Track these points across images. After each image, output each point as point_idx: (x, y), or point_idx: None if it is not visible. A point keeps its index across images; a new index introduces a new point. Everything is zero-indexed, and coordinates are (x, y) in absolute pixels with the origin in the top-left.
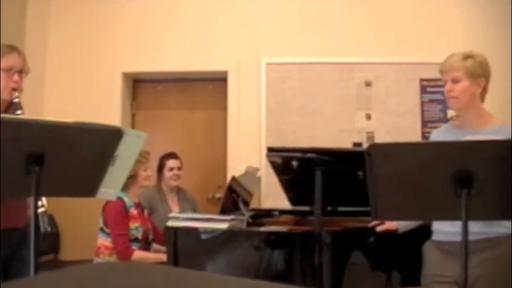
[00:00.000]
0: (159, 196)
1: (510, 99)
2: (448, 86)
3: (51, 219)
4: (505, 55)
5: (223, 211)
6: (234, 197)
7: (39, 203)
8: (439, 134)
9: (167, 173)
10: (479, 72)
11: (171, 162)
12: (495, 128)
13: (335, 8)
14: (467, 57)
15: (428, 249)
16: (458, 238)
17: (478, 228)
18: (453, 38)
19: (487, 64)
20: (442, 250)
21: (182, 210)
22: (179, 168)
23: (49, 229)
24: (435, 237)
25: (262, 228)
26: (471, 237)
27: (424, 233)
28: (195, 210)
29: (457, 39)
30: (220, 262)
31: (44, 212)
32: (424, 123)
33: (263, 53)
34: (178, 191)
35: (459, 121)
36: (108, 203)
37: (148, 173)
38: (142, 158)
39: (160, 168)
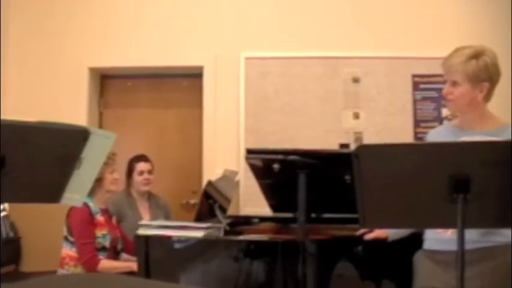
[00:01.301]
0: (128, 202)
1: (510, 98)
2: (446, 89)
3: (12, 227)
4: (503, 48)
5: (199, 218)
6: (210, 203)
7: (1, 207)
8: (437, 135)
9: (137, 177)
10: (481, 77)
11: (141, 166)
12: (497, 128)
13: None
14: (471, 58)
15: (420, 259)
16: (452, 247)
17: (473, 237)
18: (448, 30)
19: (494, 65)
20: (435, 260)
21: (154, 218)
22: (150, 172)
23: (11, 234)
24: (427, 246)
25: (241, 237)
26: (466, 246)
27: (415, 241)
28: (167, 217)
29: (453, 32)
30: (195, 274)
31: (6, 217)
32: (417, 123)
33: (242, 47)
34: (150, 196)
35: (459, 121)
36: (72, 209)
37: (115, 176)
38: (109, 159)
39: (130, 172)
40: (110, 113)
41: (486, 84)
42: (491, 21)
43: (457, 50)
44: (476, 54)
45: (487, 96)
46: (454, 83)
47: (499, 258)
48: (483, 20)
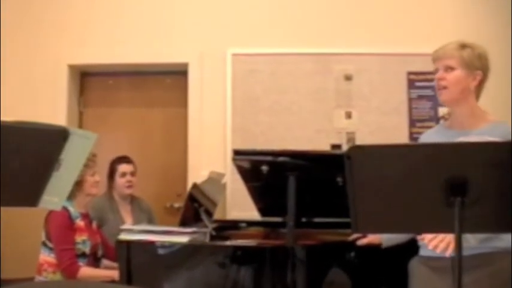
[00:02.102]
0: (110, 206)
1: (510, 97)
2: (440, 74)
3: None
4: (503, 44)
5: (183, 223)
6: (195, 207)
7: None
8: (429, 136)
9: (119, 180)
10: (476, 64)
11: (123, 167)
12: (488, 126)
13: None
14: (464, 46)
15: (415, 266)
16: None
17: (470, 243)
18: (445, 25)
19: (486, 58)
20: (431, 267)
21: (136, 222)
22: (132, 174)
23: None
24: (423, 252)
25: (228, 242)
26: (463, 252)
27: (410, 247)
28: (150, 221)
29: (450, 27)
30: (179, 281)
31: None
32: (412, 123)
33: (229, 43)
34: (132, 199)
35: (450, 121)
36: (50, 213)
37: (95, 179)
38: (89, 161)
39: (111, 174)
40: (90, 112)
41: (479, 73)
42: (491, 16)
43: (449, 42)
44: (470, 45)
45: (478, 91)
46: (448, 68)
47: (497, 264)
48: (482, 15)
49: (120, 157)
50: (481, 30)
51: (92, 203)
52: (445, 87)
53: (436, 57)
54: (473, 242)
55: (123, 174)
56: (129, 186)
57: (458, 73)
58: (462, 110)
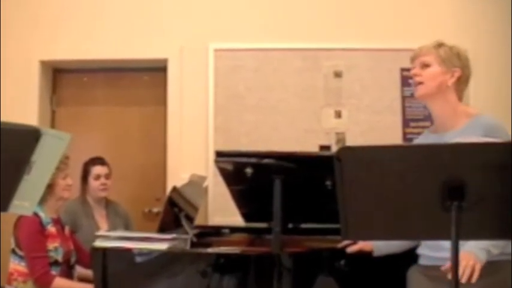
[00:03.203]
0: (83, 210)
1: (510, 96)
2: (415, 70)
3: None
4: (502, 41)
5: (163, 229)
6: (175, 212)
7: None
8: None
9: (93, 183)
10: (454, 62)
11: (97, 169)
12: (468, 122)
13: None
14: (442, 44)
15: (413, 275)
16: (447, 262)
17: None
18: (440, 20)
19: (466, 58)
20: (429, 276)
21: (112, 227)
22: (107, 176)
23: None
24: (421, 261)
25: (210, 250)
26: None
27: (407, 255)
28: (127, 227)
29: (445, 20)
30: None
31: None
32: (406, 122)
33: (210, 37)
34: (107, 203)
35: (434, 125)
36: (20, 219)
37: (67, 182)
38: (61, 163)
39: (85, 176)
40: (63, 111)
41: (458, 70)
42: (490, 10)
43: (423, 44)
44: (448, 44)
45: (459, 89)
46: (424, 65)
47: (496, 274)
48: (480, 8)
49: (94, 158)
50: (480, 22)
51: (64, 207)
52: (420, 83)
53: (413, 56)
54: (495, 251)
55: (97, 177)
56: (104, 189)
57: (433, 69)
58: (441, 107)
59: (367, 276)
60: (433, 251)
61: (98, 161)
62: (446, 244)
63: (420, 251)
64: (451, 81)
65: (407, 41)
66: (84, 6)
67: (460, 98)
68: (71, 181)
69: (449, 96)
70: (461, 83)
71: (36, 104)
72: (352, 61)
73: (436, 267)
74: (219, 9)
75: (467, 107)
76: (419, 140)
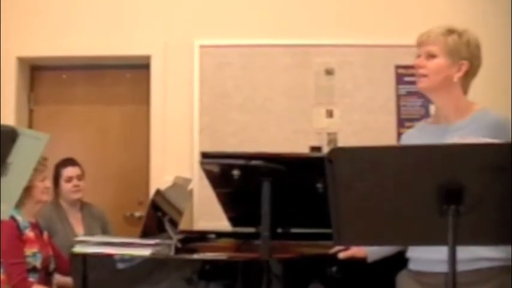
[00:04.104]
0: (57, 215)
1: (510, 96)
2: (419, 60)
3: None
4: (501, 36)
5: (145, 234)
6: (158, 216)
7: None
8: (411, 137)
9: (65, 185)
10: (462, 53)
11: (68, 171)
12: (471, 117)
13: None
14: (452, 31)
15: (403, 281)
16: (441, 268)
17: (464, 256)
18: (437, 14)
19: (476, 46)
20: (421, 283)
21: (88, 230)
22: (79, 178)
23: None
24: (413, 266)
25: (195, 256)
26: (457, 267)
27: (398, 260)
28: (104, 229)
29: (442, 14)
30: None
31: None
32: (401, 122)
33: (196, 33)
34: (82, 206)
35: (435, 115)
36: None
37: (46, 184)
38: (39, 165)
39: (56, 179)
40: (41, 110)
41: (465, 63)
42: (488, 3)
43: (432, 28)
44: (459, 30)
45: (465, 83)
46: (430, 56)
47: (493, 281)
48: (478, 1)
49: (65, 160)
50: (478, 16)
51: (41, 211)
52: (423, 75)
53: (419, 42)
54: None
55: (69, 179)
56: (77, 191)
57: (439, 61)
58: (444, 101)
59: (360, 283)
60: (426, 252)
61: (69, 162)
62: None
63: (411, 253)
64: (457, 76)
65: (402, 37)
66: (63, 1)
67: (465, 91)
68: (50, 184)
69: (454, 90)
70: (469, 75)
71: (13, 103)
72: (344, 58)
73: (431, 274)
74: (204, 3)
75: (472, 102)
76: (413, 133)
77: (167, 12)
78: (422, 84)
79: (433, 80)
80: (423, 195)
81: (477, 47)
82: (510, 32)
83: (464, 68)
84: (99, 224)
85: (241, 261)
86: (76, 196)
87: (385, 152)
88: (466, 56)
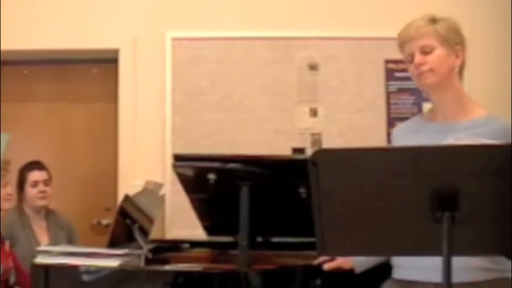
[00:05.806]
0: (20, 222)
1: (510, 96)
2: (418, 58)
3: None
4: (501, 27)
5: (113, 243)
6: (127, 224)
7: None
8: (404, 132)
9: (30, 190)
10: (454, 38)
11: (34, 175)
12: (480, 119)
13: None
14: (435, 19)
15: None
16: (434, 277)
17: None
18: (429, 4)
19: (460, 30)
20: None
21: (53, 240)
22: (46, 183)
23: None
24: (398, 274)
25: (167, 267)
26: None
27: (384, 270)
28: (70, 239)
29: (434, 5)
30: None
31: None
32: (391, 121)
33: (167, 25)
34: (47, 213)
35: (431, 112)
36: None
37: (8, 191)
38: (1, 169)
39: (21, 184)
40: (1, 108)
41: (460, 48)
42: None
43: (412, 21)
44: (441, 16)
45: (460, 74)
46: (426, 49)
47: None
48: None
49: (31, 163)
50: (474, 6)
51: (2, 219)
52: (431, 70)
53: (407, 39)
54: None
55: (35, 184)
56: (43, 198)
57: (440, 52)
58: (447, 96)
59: None
60: (413, 258)
61: (35, 165)
62: None
63: (396, 261)
64: (457, 64)
65: (392, 29)
66: None
67: (460, 77)
68: (11, 189)
69: (456, 81)
70: (462, 62)
71: None
72: (329, 51)
73: (419, 284)
74: None
75: (475, 101)
76: (407, 131)
77: (136, 2)
78: (430, 79)
79: (440, 73)
80: (415, 201)
81: (460, 31)
82: (510, 21)
83: (460, 54)
84: (65, 234)
85: (217, 273)
86: (42, 203)
87: (373, 154)
88: (458, 41)
